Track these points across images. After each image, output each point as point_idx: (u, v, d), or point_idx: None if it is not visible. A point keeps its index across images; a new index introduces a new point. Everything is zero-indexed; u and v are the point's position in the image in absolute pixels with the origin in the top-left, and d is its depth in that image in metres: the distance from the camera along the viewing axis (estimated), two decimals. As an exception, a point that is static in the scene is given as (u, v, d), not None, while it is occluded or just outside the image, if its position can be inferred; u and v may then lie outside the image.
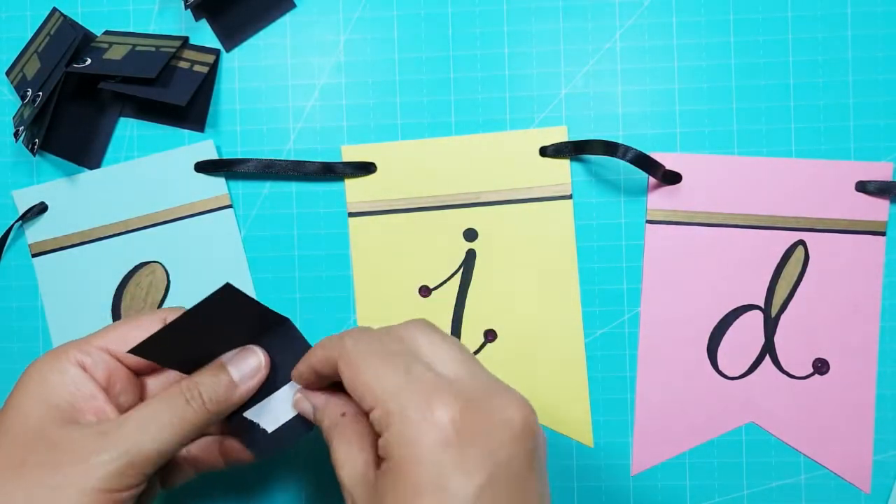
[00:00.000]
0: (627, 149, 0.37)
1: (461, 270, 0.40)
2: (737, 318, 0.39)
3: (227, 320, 0.30)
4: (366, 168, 0.40)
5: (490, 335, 0.40)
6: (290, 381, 0.32)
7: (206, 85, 0.40)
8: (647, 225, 0.39)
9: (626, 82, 0.39)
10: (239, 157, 0.41)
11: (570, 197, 0.39)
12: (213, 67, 0.40)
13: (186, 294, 0.41)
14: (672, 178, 0.39)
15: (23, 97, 0.40)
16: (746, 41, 0.39)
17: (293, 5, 0.41)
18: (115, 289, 0.41)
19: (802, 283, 0.39)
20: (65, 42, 0.40)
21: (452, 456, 0.24)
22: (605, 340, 0.39)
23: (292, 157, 0.40)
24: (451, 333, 0.40)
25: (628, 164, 0.38)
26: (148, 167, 0.41)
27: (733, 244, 0.39)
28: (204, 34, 0.41)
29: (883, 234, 0.38)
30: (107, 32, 0.41)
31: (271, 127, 0.41)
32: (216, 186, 0.41)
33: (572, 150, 0.39)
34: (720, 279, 0.39)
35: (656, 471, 0.39)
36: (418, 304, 0.40)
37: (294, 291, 0.41)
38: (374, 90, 0.40)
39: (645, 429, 0.39)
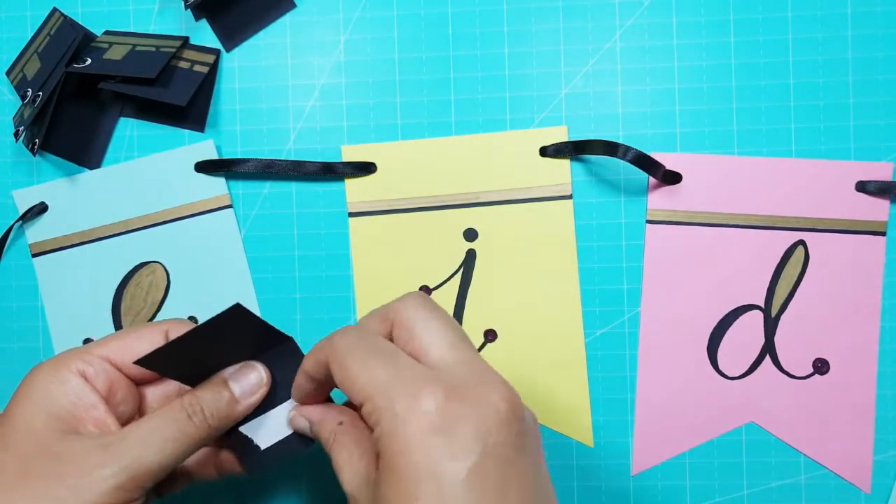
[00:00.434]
0: (628, 149, 0.37)
1: (461, 270, 0.40)
2: (737, 318, 0.39)
3: (232, 336, 0.30)
4: (366, 168, 0.40)
5: (490, 335, 0.40)
6: (288, 398, 0.32)
7: (206, 85, 0.40)
8: (648, 225, 0.39)
9: (626, 82, 0.39)
10: (239, 157, 0.41)
11: (570, 197, 0.39)
12: (213, 67, 0.40)
13: (186, 294, 0.41)
14: (672, 178, 0.39)
15: (23, 97, 0.40)
16: (746, 41, 0.39)
17: (293, 5, 0.41)
18: (115, 289, 0.41)
19: (802, 283, 0.39)
20: (65, 42, 0.40)
21: (441, 443, 0.25)
22: (605, 340, 0.39)
23: (292, 157, 0.41)
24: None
25: (628, 164, 0.38)
26: (148, 167, 0.41)
27: (733, 244, 0.39)
28: (204, 34, 0.41)
29: (883, 234, 0.38)
30: (107, 32, 0.41)
31: (271, 127, 0.41)
32: (216, 186, 0.41)
33: (572, 150, 0.39)
34: (720, 279, 0.39)
35: (656, 471, 0.39)
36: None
37: (294, 291, 0.41)
38: (374, 90, 0.40)
39: (645, 429, 0.39)
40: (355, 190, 0.40)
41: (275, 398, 0.32)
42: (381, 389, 0.26)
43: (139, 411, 0.33)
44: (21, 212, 0.41)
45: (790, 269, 0.39)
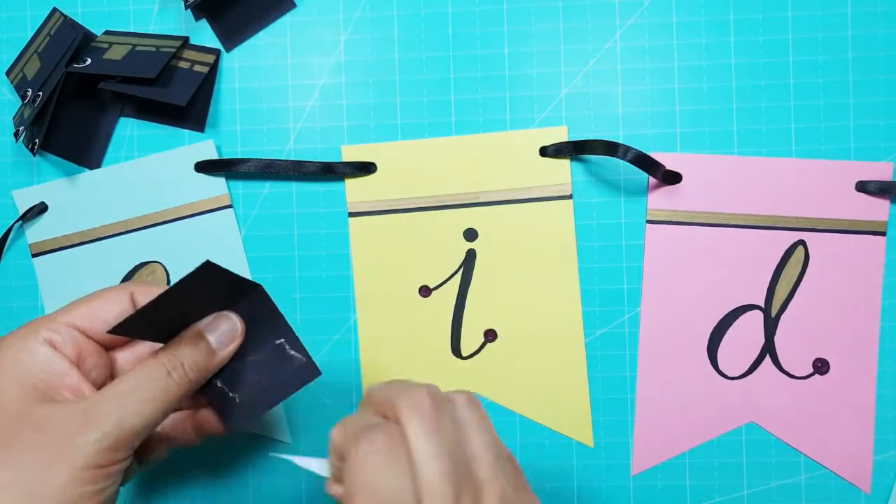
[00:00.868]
0: (628, 149, 0.37)
1: (461, 270, 0.40)
2: (737, 318, 0.39)
3: (202, 292, 0.30)
4: (366, 168, 0.40)
5: (490, 335, 0.40)
6: (260, 347, 0.32)
7: (206, 85, 0.40)
8: (648, 225, 0.39)
9: (626, 82, 0.39)
10: (239, 157, 0.41)
11: (570, 197, 0.39)
12: (214, 67, 0.40)
13: None
14: (672, 178, 0.39)
15: (23, 97, 0.40)
16: (746, 41, 0.39)
17: (293, 5, 0.41)
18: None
19: (802, 283, 0.39)
20: (65, 42, 0.39)
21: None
22: (605, 340, 0.39)
23: (292, 157, 0.40)
24: (451, 334, 0.40)
25: (628, 164, 0.38)
26: (148, 167, 0.41)
27: (733, 244, 0.39)
28: (204, 34, 0.41)
29: (883, 234, 0.38)
30: (107, 32, 0.41)
31: (271, 127, 0.41)
32: (216, 186, 0.41)
33: (572, 149, 0.39)
34: (720, 279, 0.39)
35: (656, 471, 0.39)
36: (418, 304, 0.40)
37: (294, 291, 0.41)
38: (374, 90, 0.40)
39: (645, 429, 0.39)
40: (355, 190, 0.40)
41: (247, 348, 0.32)
42: (450, 479, 0.25)
43: (111, 375, 0.32)
44: (21, 212, 0.41)
45: (790, 268, 0.39)
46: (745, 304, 0.39)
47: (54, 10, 0.41)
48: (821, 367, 0.39)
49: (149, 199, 0.41)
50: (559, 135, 0.39)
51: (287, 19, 0.41)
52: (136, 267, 0.41)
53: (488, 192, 0.40)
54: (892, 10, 0.38)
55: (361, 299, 0.40)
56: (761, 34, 0.39)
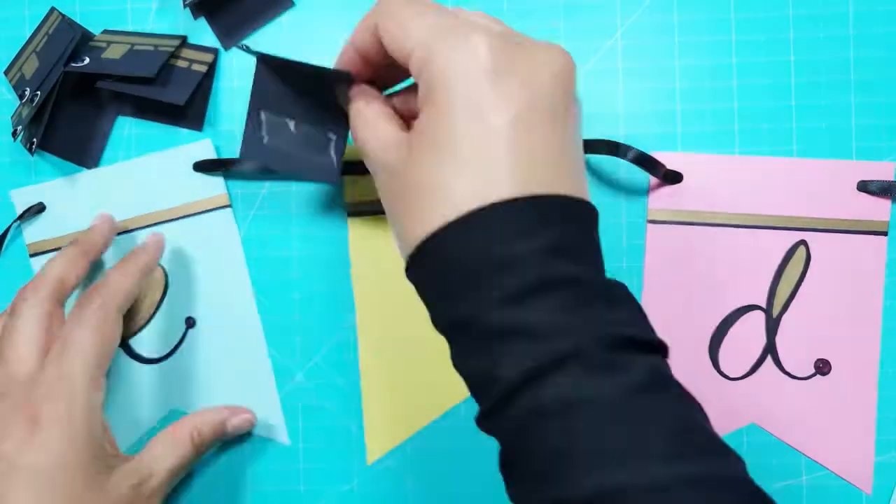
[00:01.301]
0: (629, 148, 0.37)
1: (461, 270, 0.40)
2: (738, 318, 0.39)
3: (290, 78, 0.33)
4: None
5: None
6: (317, 123, 0.34)
7: (204, 84, 0.40)
8: (649, 225, 0.39)
9: (627, 81, 0.39)
10: (237, 156, 0.40)
11: None
12: (212, 66, 0.40)
13: (185, 294, 0.41)
14: (673, 177, 0.38)
15: (21, 96, 0.40)
16: (748, 40, 0.39)
17: (292, 4, 0.41)
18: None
19: (804, 284, 0.38)
20: (63, 41, 0.39)
21: (490, 84, 0.24)
22: (606, 341, 0.39)
23: (291, 157, 0.40)
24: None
25: (629, 163, 0.38)
26: (146, 167, 0.41)
27: (734, 244, 0.39)
28: (202, 33, 0.41)
29: (885, 234, 0.38)
30: (105, 31, 0.41)
31: (270, 126, 0.40)
32: (215, 186, 0.40)
33: None
34: (721, 279, 0.39)
35: (657, 472, 0.39)
36: (420, 304, 0.40)
37: (293, 291, 0.40)
38: (374, 89, 0.40)
39: (646, 430, 0.39)
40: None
41: (309, 114, 0.34)
42: (435, 33, 0.25)
43: None
44: (19, 212, 0.41)
45: (791, 269, 0.39)
46: (747, 304, 0.39)
47: (52, 9, 0.41)
48: (822, 367, 0.38)
49: (147, 199, 0.41)
50: None
51: (285, 18, 0.41)
52: None
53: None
54: (893, 9, 0.38)
55: (361, 299, 0.40)
56: (763, 33, 0.39)
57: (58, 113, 0.40)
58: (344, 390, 0.40)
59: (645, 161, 0.37)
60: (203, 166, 0.40)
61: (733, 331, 0.39)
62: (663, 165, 0.38)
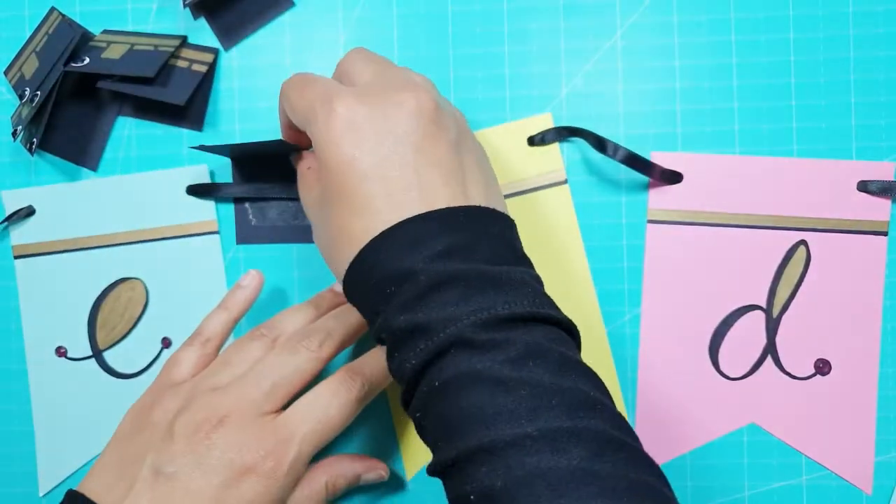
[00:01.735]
0: (617, 147, 0.37)
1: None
2: (738, 318, 0.39)
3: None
4: None
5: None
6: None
7: (204, 84, 0.40)
8: (649, 225, 0.39)
9: (627, 81, 0.39)
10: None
11: (565, 182, 0.39)
12: (212, 66, 0.40)
13: (164, 314, 0.41)
14: (673, 177, 0.38)
15: (21, 96, 0.40)
16: (748, 40, 0.39)
17: (292, 4, 0.41)
18: (93, 300, 0.41)
19: (804, 284, 0.38)
20: (63, 41, 0.39)
21: (354, 138, 0.29)
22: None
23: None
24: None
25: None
26: (141, 184, 0.41)
27: (735, 244, 0.39)
28: (202, 33, 0.41)
29: (885, 234, 0.38)
30: (105, 31, 0.41)
31: (270, 126, 0.40)
32: (205, 211, 0.41)
33: (561, 134, 0.39)
34: (721, 279, 0.39)
35: (657, 472, 0.39)
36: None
37: (293, 292, 0.40)
38: (374, 89, 0.40)
39: (646, 429, 0.39)
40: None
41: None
42: (311, 108, 0.31)
43: None
44: (8, 213, 0.41)
45: (791, 269, 0.39)
46: (747, 304, 0.39)
47: (52, 9, 0.41)
48: (822, 367, 0.38)
49: (137, 216, 0.41)
50: (544, 122, 0.39)
51: (286, 18, 0.41)
52: (116, 281, 0.41)
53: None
54: (893, 9, 0.38)
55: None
56: (762, 33, 0.39)
57: (58, 113, 0.40)
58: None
59: (635, 161, 0.37)
60: (196, 190, 0.40)
61: (733, 331, 0.39)
62: (656, 165, 0.38)
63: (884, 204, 0.38)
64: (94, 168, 0.41)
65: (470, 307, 0.27)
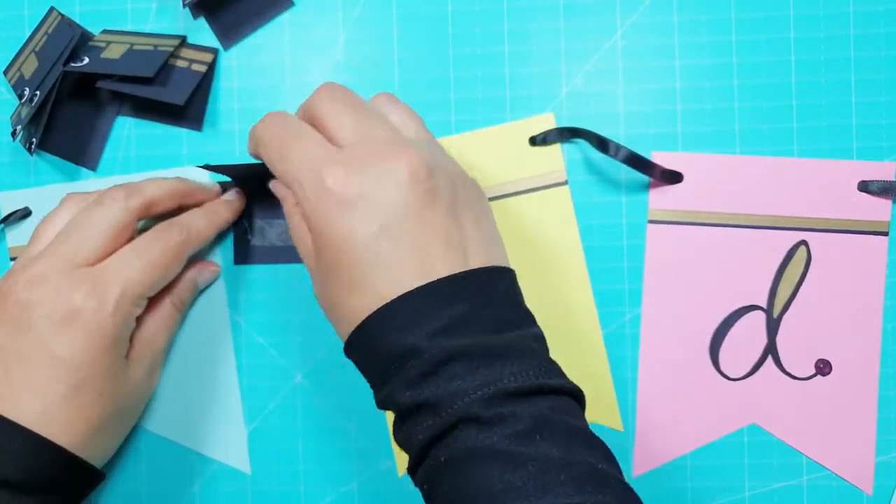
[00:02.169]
0: (619, 147, 0.37)
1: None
2: (739, 318, 0.39)
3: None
4: None
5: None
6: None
7: (204, 84, 0.40)
8: (649, 225, 0.39)
9: (627, 81, 0.39)
10: (237, 156, 0.40)
11: (565, 183, 0.39)
12: (212, 66, 0.40)
13: None
14: (673, 177, 0.38)
15: (20, 96, 0.40)
16: (748, 40, 0.39)
17: (291, 3, 0.40)
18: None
19: (804, 284, 0.38)
20: (62, 41, 0.39)
21: (348, 215, 0.28)
22: (607, 341, 0.39)
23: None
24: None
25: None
26: None
27: (735, 244, 0.39)
28: (202, 33, 0.41)
29: (885, 234, 0.38)
30: (104, 31, 0.41)
31: (270, 126, 0.40)
32: None
33: (563, 134, 0.38)
34: (722, 279, 0.39)
35: (657, 472, 0.39)
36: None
37: (292, 295, 0.40)
38: (374, 89, 0.40)
39: (646, 430, 0.39)
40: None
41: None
42: (296, 177, 0.30)
43: None
44: (3, 214, 0.41)
45: (792, 269, 0.39)
46: (747, 304, 0.39)
47: (52, 9, 0.41)
48: (823, 368, 0.38)
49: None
50: (546, 123, 0.39)
51: (285, 17, 0.41)
52: None
53: (484, 188, 0.39)
54: (893, 9, 0.38)
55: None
56: (763, 33, 0.39)
57: (57, 113, 0.40)
58: (344, 391, 0.40)
59: (637, 161, 0.37)
60: None
61: (734, 331, 0.39)
62: (657, 165, 0.38)
63: (884, 204, 0.38)
64: (93, 168, 0.41)
65: (476, 381, 0.27)
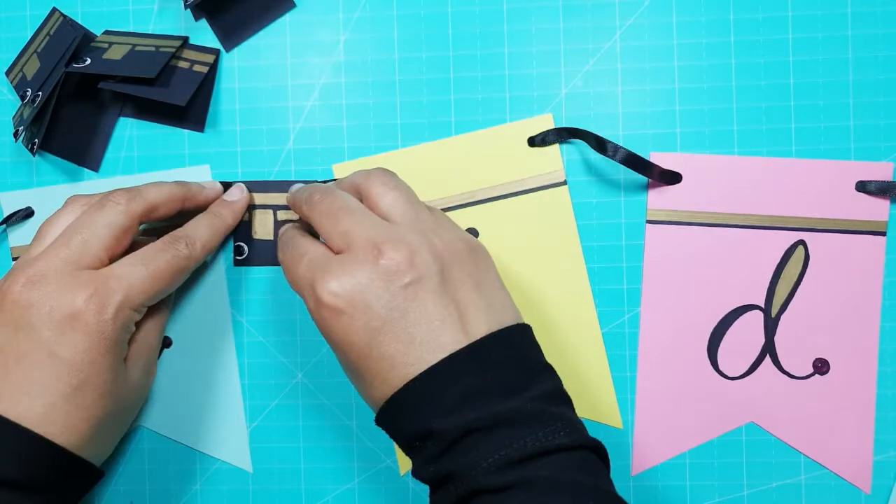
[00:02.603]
0: (617, 148, 0.37)
1: (461, 270, 0.40)
2: (737, 318, 0.39)
3: None
4: None
5: (491, 335, 0.40)
6: None
7: (205, 85, 0.40)
8: (648, 225, 0.39)
9: (626, 82, 0.39)
10: (238, 156, 0.41)
11: (564, 183, 0.39)
12: (213, 67, 0.40)
13: None
14: (672, 177, 0.39)
15: (22, 97, 0.40)
16: (746, 41, 0.39)
17: (293, 5, 0.41)
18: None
19: (803, 283, 0.39)
20: (64, 42, 0.39)
21: (343, 319, 0.30)
22: (606, 341, 0.39)
23: (292, 157, 0.40)
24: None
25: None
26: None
27: (733, 244, 0.39)
28: (204, 34, 0.41)
29: (883, 234, 0.38)
30: (106, 32, 0.41)
31: (271, 127, 0.41)
32: None
33: (561, 135, 0.39)
34: (720, 279, 0.39)
35: (656, 471, 0.39)
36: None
37: (293, 295, 0.41)
38: (374, 90, 0.40)
39: (645, 429, 0.39)
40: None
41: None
42: (300, 289, 0.32)
43: None
44: (6, 214, 0.41)
45: (790, 269, 0.39)
46: (746, 304, 0.39)
47: (54, 9, 0.41)
48: (821, 367, 0.39)
49: None
50: (545, 123, 0.39)
51: (287, 19, 0.41)
52: None
53: (483, 189, 0.40)
54: (892, 10, 0.38)
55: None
56: (761, 34, 0.39)
57: (59, 114, 0.40)
58: (344, 389, 0.40)
59: (634, 161, 0.37)
60: None
61: (732, 330, 0.39)
62: (655, 166, 0.38)
63: (882, 204, 0.38)
64: (95, 169, 0.41)
65: (488, 450, 0.28)
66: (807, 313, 0.39)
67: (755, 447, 0.39)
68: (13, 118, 0.41)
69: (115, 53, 0.39)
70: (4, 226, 0.41)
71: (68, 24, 0.40)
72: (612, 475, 0.39)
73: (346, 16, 0.40)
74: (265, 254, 0.40)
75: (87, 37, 0.41)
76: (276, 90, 0.41)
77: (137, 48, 0.40)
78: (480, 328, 0.31)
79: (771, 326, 0.39)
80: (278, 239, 0.36)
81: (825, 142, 0.39)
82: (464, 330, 0.30)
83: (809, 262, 0.39)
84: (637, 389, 0.39)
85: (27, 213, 0.42)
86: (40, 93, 0.39)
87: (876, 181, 0.38)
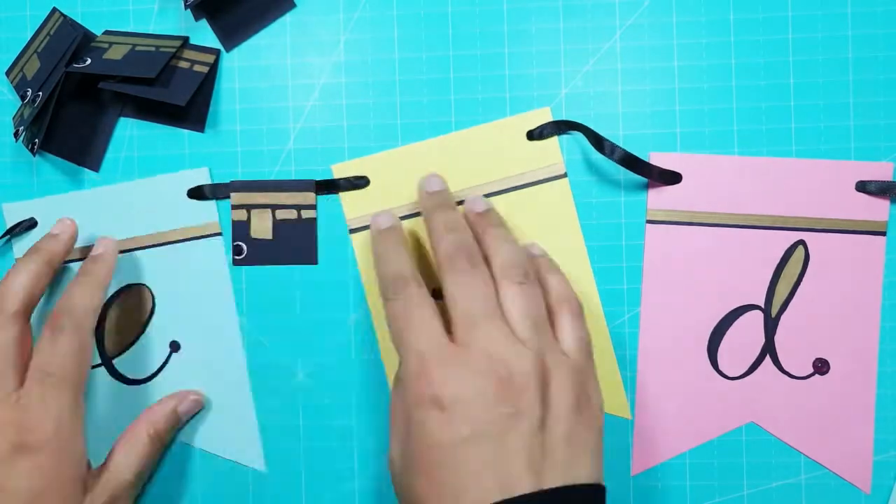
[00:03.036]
0: (614, 147, 0.37)
1: (463, 270, 0.40)
2: (737, 318, 0.39)
3: None
4: (358, 184, 0.40)
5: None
6: None
7: (205, 85, 0.40)
8: (648, 225, 0.39)
9: (626, 82, 0.39)
10: (238, 156, 0.41)
11: (564, 175, 0.39)
12: (213, 67, 0.40)
13: (170, 318, 0.41)
14: (672, 177, 0.39)
15: (22, 97, 0.40)
16: (747, 41, 0.39)
17: (293, 5, 0.41)
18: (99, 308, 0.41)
19: (803, 283, 0.39)
20: (65, 42, 0.40)
21: (443, 415, 0.30)
22: (606, 340, 0.39)
23: (292, 158, 0.40)
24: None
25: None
26: (141, 190, 0.41)
27: (733, 244, 0.39)
28: (204, 34, 0.41)
29: (883, 234, 0.38)
30: (107, 32, 0.41)
31: (271, 127, 0.41)
32: (207, 213, 0.41)
33: (560, 128, 0.39)
34: (720, 279, 0.39)
35: (656, 471, 0.39)
36: (418, 304, 0.40)
37: (293, 295, 0.41)
38: (374, 90, 0.40)
39: (645, 429, 0.39)
40: (352, 205, 0.40)
41: None
42: (405, 360, 0.32)
43: None
44: (9, 225, 0.41)
45: (790, 269, 0.39)
46: (746, 304, 0.39)
47: (54, 9, 0.41)
48: (821, 367, 0.39)
49: (139, 222, 0.41)
50: (543, 117, 0.39)
51: (287, 19, 0.41)
52: (122, 288, 0.41)
53: (483, 185, 0.40)
54: (892, 10, 0.38)
55: (376, 311, 0.40)
56: (761, 34, 0.39)
57: (59, 114, 0.40)
58: (345, 389, 0.40)
59: (631, 161, 0.37)
60: (197, 193, 0.40)
61: (732, 330, 0.39)
62: (654, 166, 0.38)
63: (882, 204, 0.38)
64: (95, 169, 0.41)
65: None
66: (807, 313, 0.39)
67: (755, 447, 0.39)
68: (13, 118, 0.41)
69: (116, 53, 0.39)
70: (8, 237, 0.41)
71: (68, 24, 0.40)
72: (612, 475, 0.39)
73: (346, 16, 0.40)
74: (264, 253, 0.40)
75: (87, 37, 0.41)
76: (276, 90, 0.41)
77: (137, 48, 0.40)
78: (556, 478, 0.30)
79: (771, 326, 0.39)
80: (376, 244, 0.36)
81: (825, 142, 0.39)
82: (538, 475, 0.30)
83: (809, 262, 0.39)
84: (637, 389, 0.39)
85: (30, 224, 0.41)
86: (40, 93, 0.39)
87: (876, 181, 0.38)
